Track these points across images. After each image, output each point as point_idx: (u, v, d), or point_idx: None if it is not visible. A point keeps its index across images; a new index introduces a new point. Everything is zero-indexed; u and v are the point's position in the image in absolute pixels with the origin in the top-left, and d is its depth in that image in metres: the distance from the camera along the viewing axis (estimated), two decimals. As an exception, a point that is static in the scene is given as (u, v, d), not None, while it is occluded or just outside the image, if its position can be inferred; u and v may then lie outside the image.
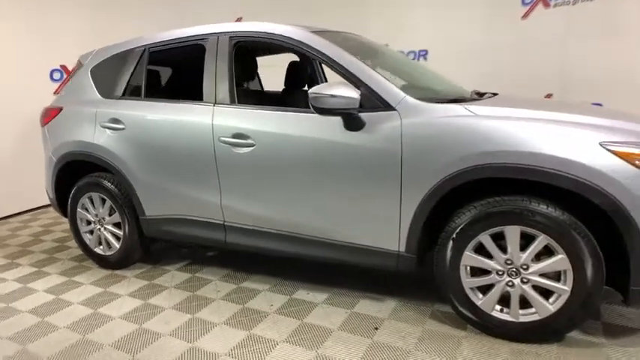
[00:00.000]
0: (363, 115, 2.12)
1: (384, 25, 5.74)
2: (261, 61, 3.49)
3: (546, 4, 5.05)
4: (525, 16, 5.13)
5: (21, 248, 3.70)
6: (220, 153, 2.46)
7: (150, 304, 2.59)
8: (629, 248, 1.75)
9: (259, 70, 3.56)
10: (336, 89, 2.03)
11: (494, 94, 2.78)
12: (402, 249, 2.15)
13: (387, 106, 2.10)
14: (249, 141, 2.37)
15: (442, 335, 2.12)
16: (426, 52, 5.73)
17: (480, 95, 2.69)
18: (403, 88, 2.54)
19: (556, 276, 1.91)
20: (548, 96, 5.11)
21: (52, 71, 4.86)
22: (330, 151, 2.19)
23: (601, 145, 1.75)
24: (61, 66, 4.88)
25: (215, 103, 2.52)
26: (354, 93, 2.04)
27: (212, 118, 2.48)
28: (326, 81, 3.67)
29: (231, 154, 2.43)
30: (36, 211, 4.84)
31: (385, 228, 2.16)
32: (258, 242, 2.52)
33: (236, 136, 2.40)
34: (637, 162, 1.71)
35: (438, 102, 2.11)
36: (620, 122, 1.90)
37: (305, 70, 3.44)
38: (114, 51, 3.00)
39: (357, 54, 2.48)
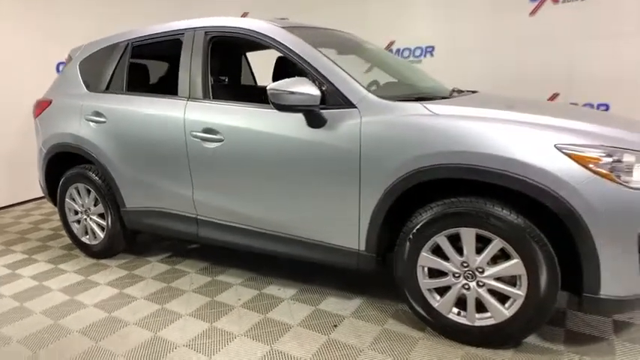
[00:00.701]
0: (325, 112, 2.12)
1: (390, 22, 5.69)
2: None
3: (555, 0, 4.89)
4: (533, 12, 4.98)
5: (19, 235, 3.85)
6: (192, 147, 2.50)
7: (124, 294, 2.66)
8: (581, 253, 1.69)
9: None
10: (295, 86, 2.03)
11: (473, 92, 2.73)
12: (362, 247, 2.14)
13: (348, 104, 2.09)
14: (219, 136, 2.40)
15: (399, 335, 2.10)
16: (433, 48, 5.64)
17: (459, 93, 2.64)
18: (381, 86, 2.55)
19: (512, 280, 1.87)
20: (555, 95, 4.97)
21: (59, 64, 5.02)
22: (294, 148, 2.19)
23: (556, 147, 1.70)
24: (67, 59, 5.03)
25: (189, 98, 2.56)
26: (313, 90, 2.04)
27: (185, 112, 2.52)
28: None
29: (202, 149, 2.46)
30: (40, 200, 5.01)
31: (345, 226, 2.15)
32: (228, 237, 2.55)
33: (206, 130, 2.44)
34: (591, 166, 1.66)
35: (403, 100, 2.09)
36: (582, 124, 1.84)
37: (293, 65, 3.43)
38: (100, 45, 3.08)
39: (334, 50, 2.49)
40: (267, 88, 2.06)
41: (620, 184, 1.65)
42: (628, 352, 1.91)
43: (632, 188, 1.66)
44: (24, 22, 4.75)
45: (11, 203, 4.87)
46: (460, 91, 2.73)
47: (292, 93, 2.03)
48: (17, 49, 4.71)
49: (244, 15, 6.08)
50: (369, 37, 5.82)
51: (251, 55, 4.08)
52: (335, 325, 2.21)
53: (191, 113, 2.50)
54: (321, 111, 2.11)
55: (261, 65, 4.24)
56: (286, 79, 2.08)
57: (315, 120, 2.12)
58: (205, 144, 2.44)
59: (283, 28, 2.38)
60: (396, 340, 2.06)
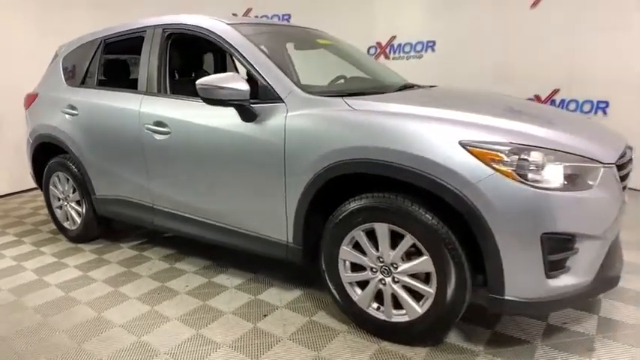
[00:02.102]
0: (257, 107, 2.16)
1: (391, 17, 5.64)
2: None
3: (555, -8, 4.68)
4: (534, 4, 4.80)
5: (17, 220, 4.13)
6: (145, 139, 2.61)
7: (86, 276, 2.82)
8: (484, 253, 1.66)
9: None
10: (224, 81, 2.09)
11: (432, 87, 2.70)
12: (290, 239, 2.18)
13: (277, 98, 2.13)
14: (167, 129, 2.50)
15: (322, 327, 2.13)
16: (434, 43, 5.55)
17: (418, 87, 2.64)
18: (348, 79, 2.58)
19: (427, 279, 1.86)
20: (555, 91, 4.77)
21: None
22: (229, 141, 2.26)
23: (460, 143, 1.67)
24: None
25: (146, 92, 2.67)
26: (242, 85, 2.08)
27: (140, 106, 2.64)
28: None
29: (153, 141, 2.57)
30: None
31: (274, 218, 2.19)
32: (178, 225, 2.65)
33: (156, 123, 2.54)
34: (493, 164, 1.62)
35: (329, 95, 2.10)
36: (498, 120, 1.79)
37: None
38: (80, 42, 3.25)
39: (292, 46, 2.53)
40: (197, 83, 2.13)
41: (524, 182, 1.61)
42: (546, 356, 1.85)
43: (537, 188, 1.61)
44: (39, 14, 5.06)
45: (22, 189, 5.21)
46: (419, 86, 2.71)
47: (221, 88, 2.08)
48: (28, 40, 5.01)
49: (247, 10, 6.17)
50: (370, 33, 5.79)
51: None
52: (265, 315, 2.26)
53: (145, 107, 2.61)
54: (253, 105, 2.16)
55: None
56: (217, 75, 2.14)
57: (246, 114, 2.17)
58: (156, 136, 2.55)
59: (229, 24, 2.44)
60: (317, 332, 2.10)
